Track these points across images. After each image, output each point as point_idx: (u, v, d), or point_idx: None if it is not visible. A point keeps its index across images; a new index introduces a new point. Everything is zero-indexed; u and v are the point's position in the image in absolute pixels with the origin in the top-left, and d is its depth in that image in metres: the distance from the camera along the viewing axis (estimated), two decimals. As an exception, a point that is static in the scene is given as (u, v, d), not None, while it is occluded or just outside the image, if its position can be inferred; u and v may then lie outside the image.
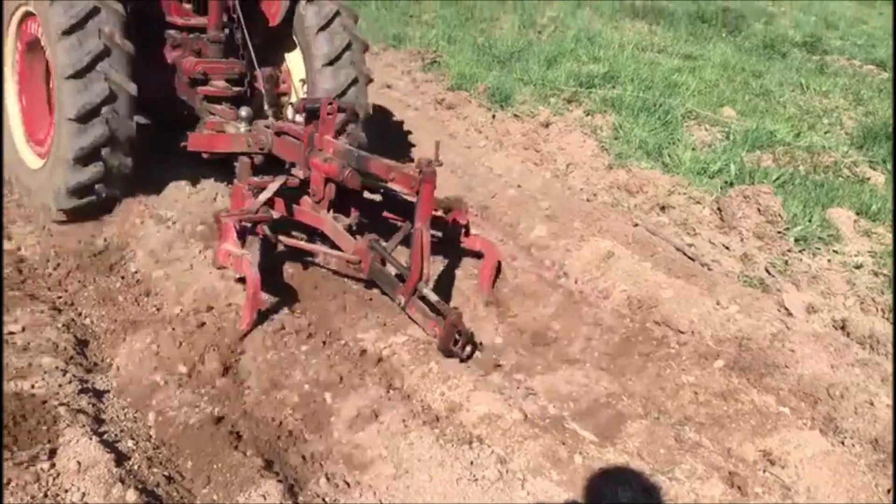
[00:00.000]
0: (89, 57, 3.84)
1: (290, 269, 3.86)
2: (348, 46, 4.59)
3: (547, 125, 6.44)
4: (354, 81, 4.64)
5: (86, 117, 3.88)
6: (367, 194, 4.10)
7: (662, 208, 5.19)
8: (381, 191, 4.13)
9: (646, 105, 6.85)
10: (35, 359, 3.08)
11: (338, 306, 3.68)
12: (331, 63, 4.56)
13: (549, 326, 3.86)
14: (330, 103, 3.91)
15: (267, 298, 3.53)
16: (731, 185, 5.51)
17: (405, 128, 6.17)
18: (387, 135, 6.12)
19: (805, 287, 4.34)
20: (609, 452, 2.98)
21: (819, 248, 4.75)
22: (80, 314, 3.59)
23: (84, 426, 2.73)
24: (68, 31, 3.81)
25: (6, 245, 4.01)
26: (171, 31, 4.57)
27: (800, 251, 4.72)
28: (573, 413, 3.25)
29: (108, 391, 3.13)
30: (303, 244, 3.98)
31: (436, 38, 8.78)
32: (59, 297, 3.70)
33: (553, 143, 6.16)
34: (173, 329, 3.38)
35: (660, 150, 6.05)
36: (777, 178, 5.60)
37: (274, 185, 3.85)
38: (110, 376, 3.23)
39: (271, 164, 4.20)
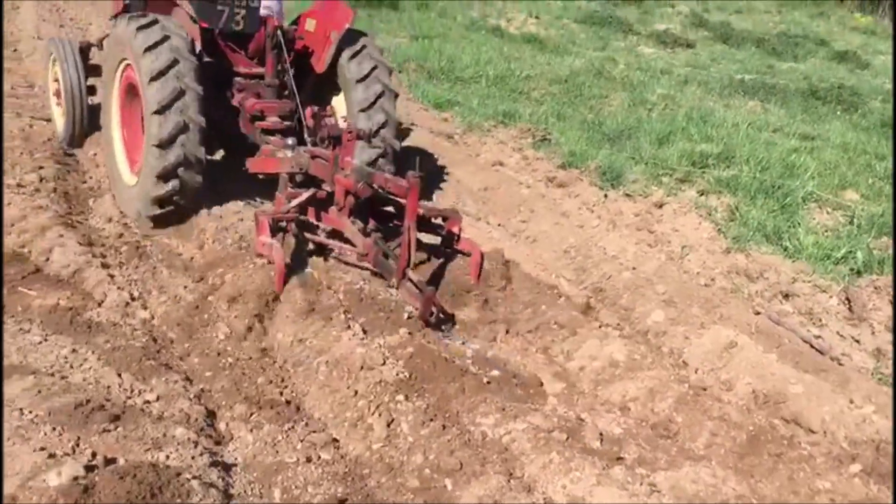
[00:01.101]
0: (169, 97, 4.77)
1: (409, 349, 3.90)
2: (374, 68, 5.48)
3: (660, 206, 6.37)
4: (381, 94, 5.48)
5: (166, 143, 4.80)
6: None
7: (786, 296, 5.02)
8: (394, 204, 4.94)
9: (763, 186, 6.70)
10: (169, 430, 3.19)
11: (456, 389, 3.69)
12: (361, 80, 5.45)
13: (670, 418, 3.74)
14: (349, 132, 4.94)
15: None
16: (859, 273, 5.29)
17: (518, 206, 6.21)
18: (500, 212, 6.20)
19: (946, 387, 4.08)
20: (741, 561, 2.83)
21: (959, 346, 4.47)
22: (210, 385, 3.72)
23: (214, 501, 2.79)
24: (154, 78, 4.76)
25: (143, 314, 4.22)
26: (238, 79, 5.54)
27: (937, 347, 4.45)
28: (700, 514, 3.12)
29: (236, 465, 3.20)
30: (325, 240, 4.82)
31: (545, 116, 8.88)
32: (191, 368, 3.85)
33: (667, 225, 6.07)
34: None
35: (779, 233, 5.88)
36: (908, 268, 5.34)
37: (303, 196, 4.82)
38: (237, 450, 3.31)
39: (310, 182, 5.09)
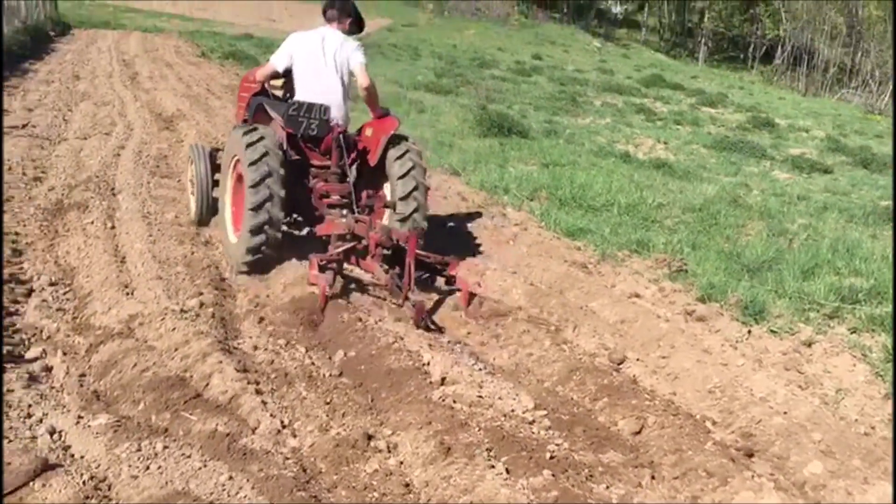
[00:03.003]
0: (261, 176, 6.61)
1: (554, 492, 3.82)
2: (412, 168, 7.18)
3: (809, 344, 6.11)
4: (416, 188, 7.20)
5: (256, 209, 6.62)
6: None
7: (958, 450, 4.63)
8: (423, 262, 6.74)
9: (922, 326, 6.32)
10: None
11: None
12: (401, 177, 7.19)
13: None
14: (381, 203, 7.29)
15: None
16: None
17: (657, 340, 6.10)
18: (638, 346, 6.11)
19: None
20: None
21: None
22: (356, 521, 3.77)
23: None
24: (252, 164, 6.64)
25: (293, 442, 4.37)
26: (312, 168, 7.35)
27: None
28: None
29: None
30: (357, 275, 6.82)
31: (680, 245, 8.78)
32: (338, 501, 3.91)
33: (818, 365, 5.80)
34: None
35: (945, 379, 5.49)
36: None
37: (346, 245, 6.71)
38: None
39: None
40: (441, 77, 29.49)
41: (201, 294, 6.28)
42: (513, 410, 4.75)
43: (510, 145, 15.12)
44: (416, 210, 7.22)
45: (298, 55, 7.25)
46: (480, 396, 4.84)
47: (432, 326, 6.18)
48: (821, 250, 8.50)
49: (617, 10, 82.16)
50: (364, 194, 7.26)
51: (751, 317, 6.62)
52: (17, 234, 7.61)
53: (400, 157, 7.19)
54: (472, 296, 6.65)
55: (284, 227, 7.13)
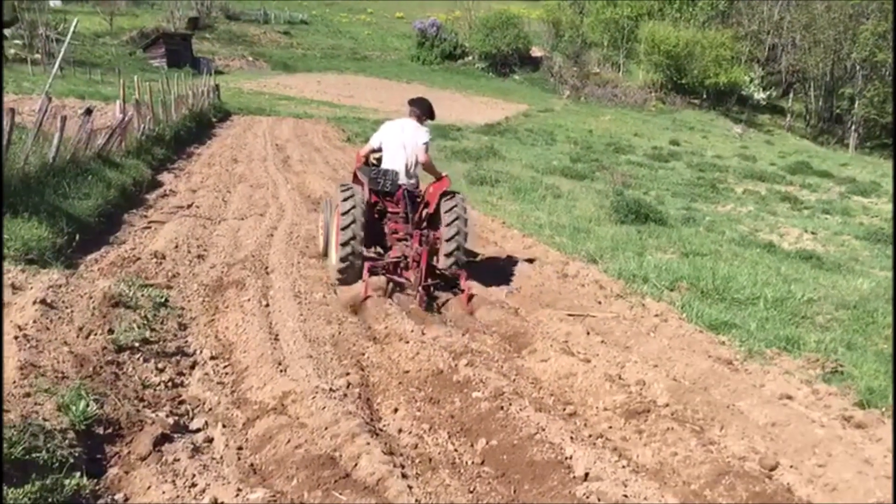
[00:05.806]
0: (350, 219, 9.15)
1: None
2: (455, 206, 9.56)
3: None
4: (457, 230, 9.48)
5: (344, 228, 9.14)
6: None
7: None
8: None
9: None
10: None
11: None
12: (448, 211, 9.58)
13: None
14: (421, 234, 9.38)
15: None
16: None
17: (812, 447, 5.78)
18: (791, 452, 5.81)
19: None
20: None
21: None
22: None
23: None
24: (343, 214, 9.18)
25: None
26: (388, 214, 9.99)
27: None
28: None
29: None
30: (398, 279, 9.31)
31: (834, 344, 8.35)
32: None
33: None
34: None
35: None
36: None
37: (392, 259, 9.45)
38: None
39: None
40: (576, 162, 29.77)
41: (348, 374, 6.52)
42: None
43: (647, 232, 14.97)
44: (457, 247, 9.64)
45: (385, 137, 10.03)
46: (625, 496, 4.73)
47: (433, 310, 8.96)
48: None
49: (760, 96, 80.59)
50: (422, 231, 9.71)
51: (917, 427, 6.17)
52: (182, 308, 8.22)
53: (448, 208, 9.64)
54: (471, 297, 9.14)
55: (370, 253, 9.70)
